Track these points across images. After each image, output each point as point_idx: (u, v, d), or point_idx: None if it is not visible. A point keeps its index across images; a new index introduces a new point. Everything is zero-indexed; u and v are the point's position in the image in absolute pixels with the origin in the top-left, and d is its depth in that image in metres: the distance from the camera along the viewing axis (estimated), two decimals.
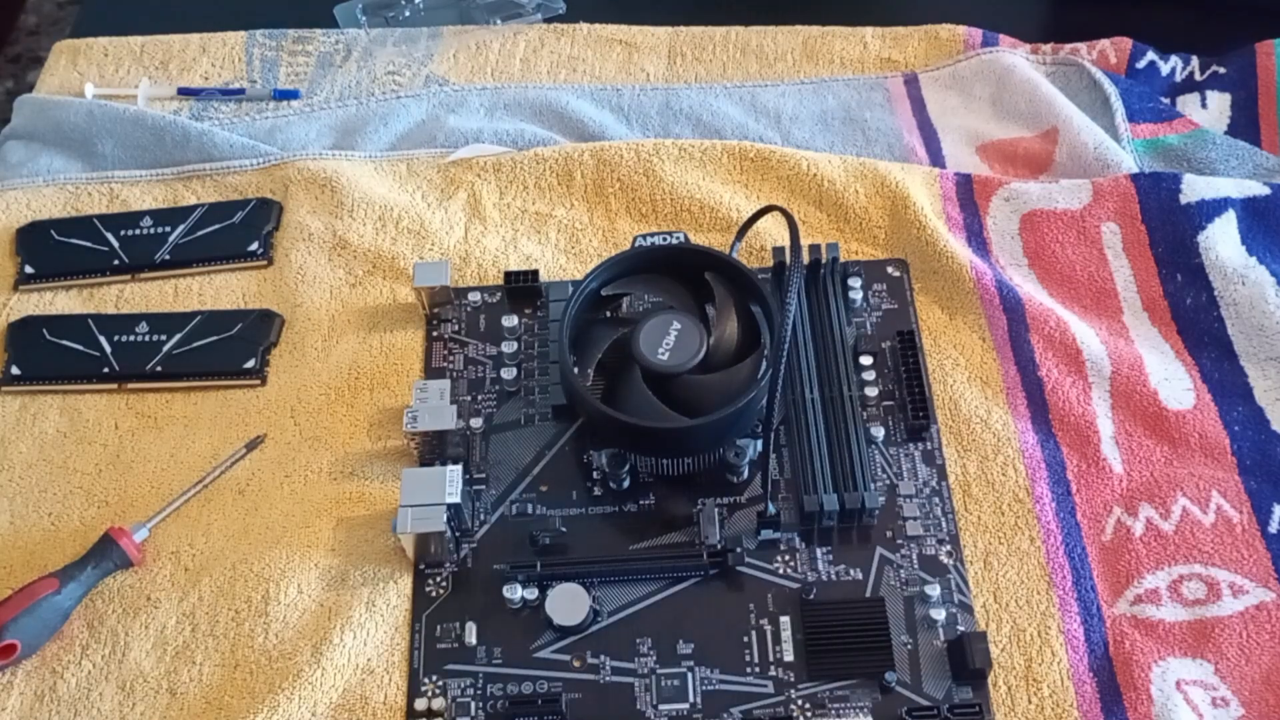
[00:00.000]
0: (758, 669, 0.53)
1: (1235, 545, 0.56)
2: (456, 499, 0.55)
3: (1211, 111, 0.74)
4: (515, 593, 0.55)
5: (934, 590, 0.55)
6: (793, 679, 0.53)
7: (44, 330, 0.66)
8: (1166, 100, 0.74)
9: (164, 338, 0.65)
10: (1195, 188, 0.66)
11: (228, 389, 0.64)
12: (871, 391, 0.61)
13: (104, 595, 0.57)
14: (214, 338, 0.65)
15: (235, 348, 0.65)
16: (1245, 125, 0.73)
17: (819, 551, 0.57)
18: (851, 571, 0.56)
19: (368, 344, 0.65)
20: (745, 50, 0.80)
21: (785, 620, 0.55)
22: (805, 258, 0.63)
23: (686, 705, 0.53)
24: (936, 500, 0.58)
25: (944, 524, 0.57)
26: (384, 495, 0.59)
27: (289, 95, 0.78)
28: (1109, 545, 0.57)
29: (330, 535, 0.58)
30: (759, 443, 0.58)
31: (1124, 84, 0.74)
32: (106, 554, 0.56)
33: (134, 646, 0.55)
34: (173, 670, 0.54)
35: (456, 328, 0.65)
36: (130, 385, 0.64)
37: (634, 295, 0.64)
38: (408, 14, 0.83)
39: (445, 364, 0.64)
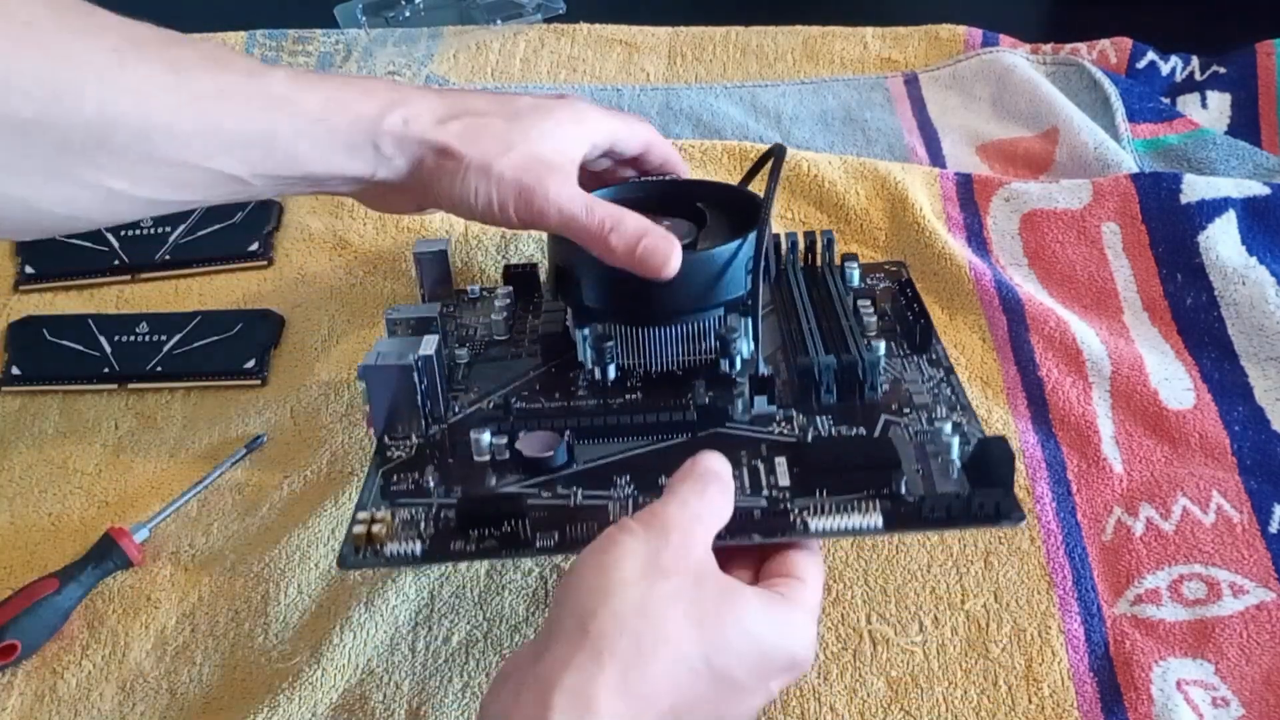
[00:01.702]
0: (748, 491, 0.48)
1: (1235, 545, 0.56)
2: (431, 352, 0.53)
3: (1211, 111, 0.74)
4: (484, 437, 0.52)
5: (946, 426, 0.51)
6: (789, 498, 0.48)
7: (44, 330, 0.66)
8: (1166, 100, 0.74)
9: (164, 338, 0.65)
10: (1195, 188, 0.66)
11: (228, 389, 0.64)
12: (870, 319, 0.58)
13: (104, 595, 0.57)
14: (214, 338, 0.65)
15: (235, 348, 0.65)
16: (1245, 125, 0.73)
17: (819, 420, 0.53)
18: (855, 431, 0.52)
19: (368, 344, 0.65)
20: (745, 50, 0.80)
21: (780, 460, 0.50)
22: (800, 244, 0.62)
23: None
24: (945, 386, 0.54)
25: (956, 397, 0.53)
26: None
27: None
28: (1109, 545, 0.57)
29: (330, 535, 0.58)
30: (750, 339, 0.55)
31: (1124, 84, 0.74)
32: (106, 554, 0.56)
33: (134, 646, 0.55)
34: (173, 670, 0.54)
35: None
36: (130, 385, 0.64)
37: None
38: (408, 14, 0.83)
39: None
